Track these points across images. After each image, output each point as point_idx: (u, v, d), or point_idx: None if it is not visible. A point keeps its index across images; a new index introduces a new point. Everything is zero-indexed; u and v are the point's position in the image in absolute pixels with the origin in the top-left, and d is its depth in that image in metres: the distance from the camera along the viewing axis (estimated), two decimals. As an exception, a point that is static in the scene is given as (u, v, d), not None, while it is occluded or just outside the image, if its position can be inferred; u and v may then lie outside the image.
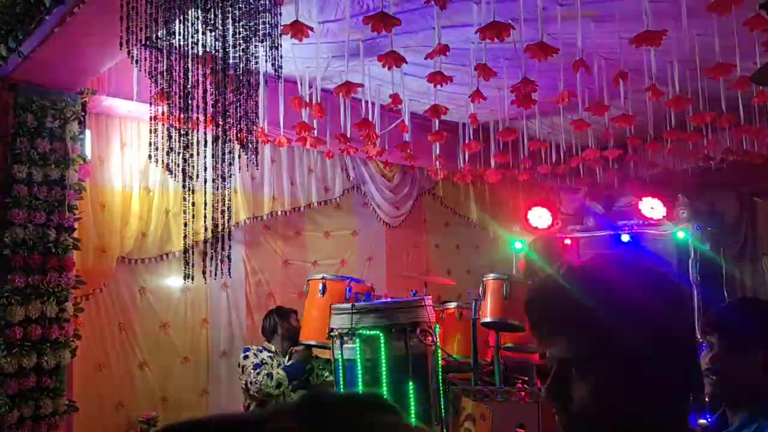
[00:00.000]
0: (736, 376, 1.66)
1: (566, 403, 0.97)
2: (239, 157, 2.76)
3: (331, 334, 3.85)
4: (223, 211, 2.71)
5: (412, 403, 3.57)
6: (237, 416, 0.45)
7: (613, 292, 0.96)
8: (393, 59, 3.16)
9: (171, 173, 2.69)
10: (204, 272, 2.69)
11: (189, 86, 2.65)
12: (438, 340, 3.88)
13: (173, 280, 4.86)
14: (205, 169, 2.72)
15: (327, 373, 4.27)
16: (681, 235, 5.61)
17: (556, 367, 0.99)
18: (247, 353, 4.32)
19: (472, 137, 5.10)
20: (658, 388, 0.95)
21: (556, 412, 0.99)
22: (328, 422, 0.41)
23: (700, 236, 5.61)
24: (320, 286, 4.31)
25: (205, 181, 2.72)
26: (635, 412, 0.95)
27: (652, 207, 5.71)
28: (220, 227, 2.72)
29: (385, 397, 0.45)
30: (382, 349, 3.60)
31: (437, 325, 3.94)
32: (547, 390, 0.99)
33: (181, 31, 2.58)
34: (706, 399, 1.75)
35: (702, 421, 2.20)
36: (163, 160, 2.70)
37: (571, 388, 0.96)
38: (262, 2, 2.61)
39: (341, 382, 3.75)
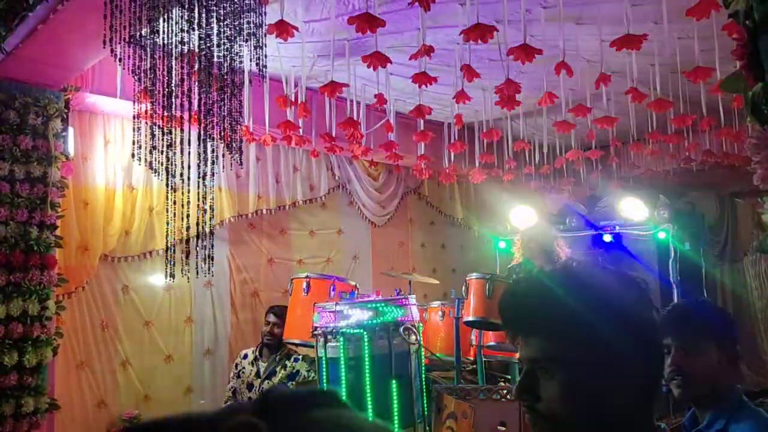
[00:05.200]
0: (697, 375, 1.72)
1: (535, 402, 0.99)
2: (223, 155, 2.77)
3: (315, 332, 3.86)
4: (206, 210, 2.71)
5: (395, 401, 3.60)
6: (193, 414, 0.46)
7: (581, 295, 0.98)
8: (378, 60, 3.16)
9: (154, 171, 2.69)
10: (182, 270, 2.68)
11: (173, 84, 2.65)
12: (421, 338, 3.90)
13: (156, 279, 4.83)
14: (189, 168, 2.72)
15: (312, 374, 4.27)
16: (662, 235, 5.67)
17: (527, 367, 1.01)
18: (237, 360, 4.57)
19: (456, 137, 5.13)
20: (625, 389, 0.97)
21: (526, 411, 1.02)
22: (283, 415, 0.43)
23: (681, 237, 5.68)
24: (304, 285, 4.32)
25: (189, 180, 2.72)
26: (602, 412, 0.97)
27: (633, 207, 5.77)
28: (203, 225, 2.72)
29: (339, 392, 0.48)
30: (366, 347, 3.62)
31: (420, 324, 3.97)
32: (517, 389, 1.02)
33: (165, 29, 2.58)
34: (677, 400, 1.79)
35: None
36: (146, 158, 2.69)
37: (540, 389, 0.98)
38: (246, 1, 2.61)
39: (325, 381, 3.76)
